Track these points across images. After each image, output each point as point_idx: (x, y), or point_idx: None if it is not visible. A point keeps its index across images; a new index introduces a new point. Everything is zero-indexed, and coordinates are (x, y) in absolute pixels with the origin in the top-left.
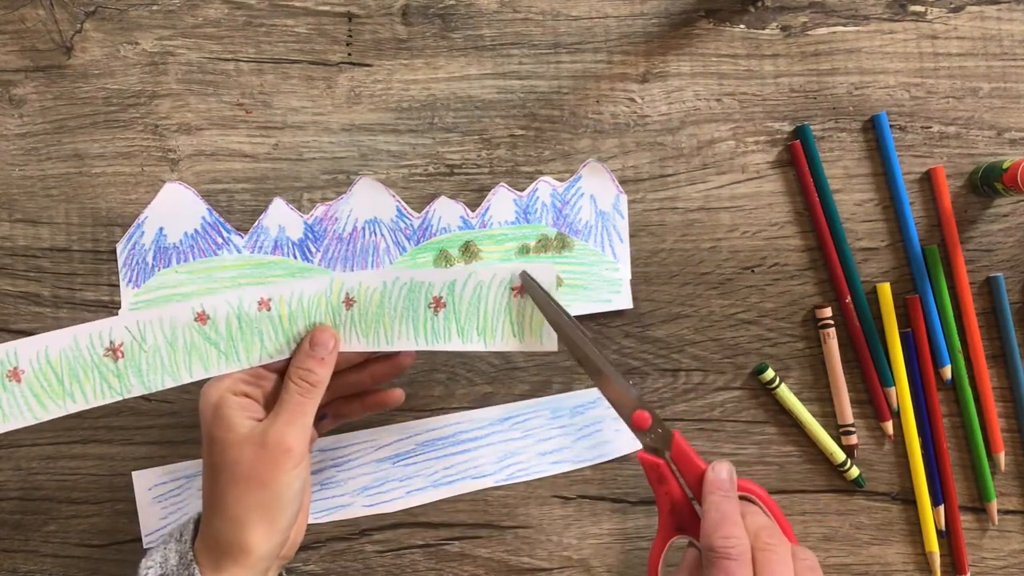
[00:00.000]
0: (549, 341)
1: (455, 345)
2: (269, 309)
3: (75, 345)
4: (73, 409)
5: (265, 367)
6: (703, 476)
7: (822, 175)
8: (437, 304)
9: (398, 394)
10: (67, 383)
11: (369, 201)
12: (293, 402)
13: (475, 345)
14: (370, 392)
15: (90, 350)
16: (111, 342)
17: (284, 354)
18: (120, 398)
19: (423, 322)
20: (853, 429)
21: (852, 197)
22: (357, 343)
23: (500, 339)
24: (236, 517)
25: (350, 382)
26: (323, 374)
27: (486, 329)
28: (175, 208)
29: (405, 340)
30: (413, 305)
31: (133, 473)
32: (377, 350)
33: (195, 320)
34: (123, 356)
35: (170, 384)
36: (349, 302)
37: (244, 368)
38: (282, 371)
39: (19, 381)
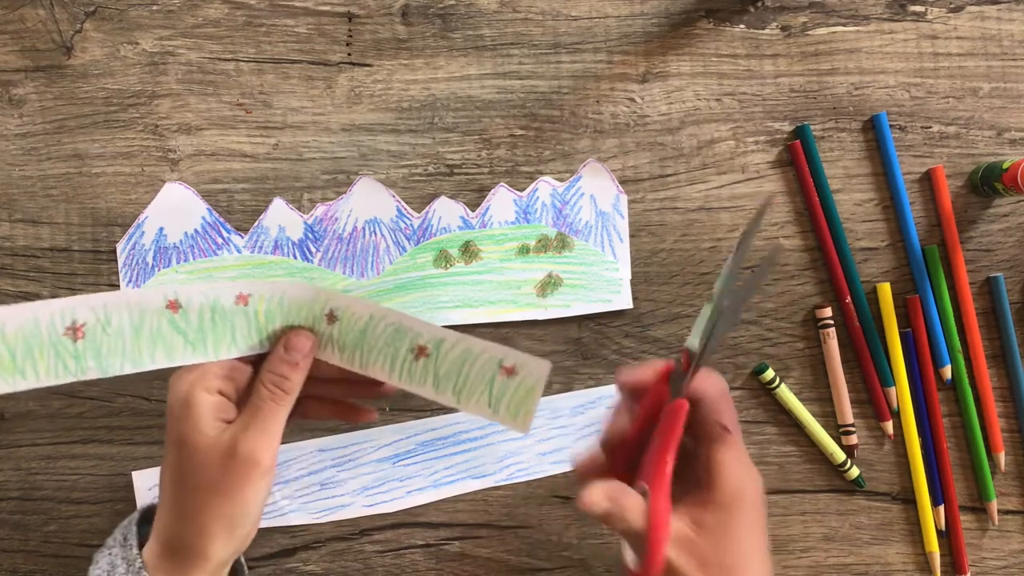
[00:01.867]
0: (523, 424)
1: (428, 393)
2: (246, 304)
3: (34, 322)
4: (22, 386)
5: (240, 359)
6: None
7: (822, 175)
8: (420, 352)
9: (372, 415)
10: (19, 359)
11: (369, 201)
12: (265, 409)
13: (448, 401)
14: (344, 402)
15: (50, 328)
16: (73, 321)
17: (255, 351)
18: (73, 379)
19: (401, 363)
20: (853, 429)
21: (852, 197)
22: (332, 356)
23: (474, 404)
24: (198, 525)
25: (324, 389)
26: (297, 380)
27: (462, 391)
28: (175, 208)
29: (380, 371)
30: (395, 345)
31: (133, 473)
32: (351, 368)
33: (166, 307)
34: (83, 337)
35: (129, 369)
36: (332, 317)
37: (210, 360)
38: (257, 364)
39: None
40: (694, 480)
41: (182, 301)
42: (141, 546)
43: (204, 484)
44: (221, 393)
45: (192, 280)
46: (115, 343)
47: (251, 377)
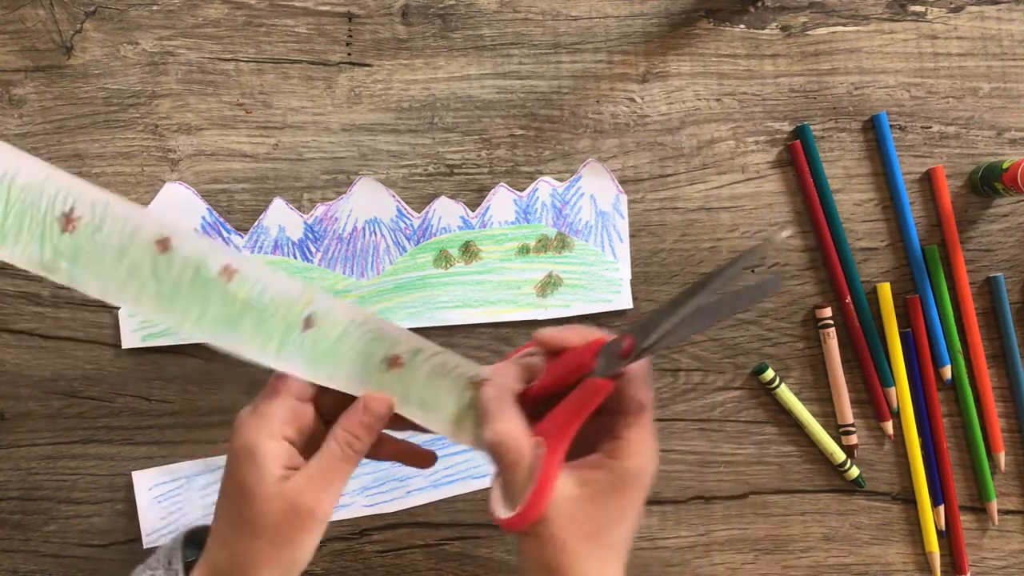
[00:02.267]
0: (479, 442)
1: (394, 406)
2: (228, 281)
3: (41, 188)
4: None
5: (299, 398)
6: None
7: (822, 175)
8: (394, 362)
9: (433, 459)
10: (9, 223)
11: (369, 201)
12: (334, 466)
13: (412, 414)
14: (406, 444)
15: (50, 205)
16: (72, 209)
17: (217, 337)
18: (43, 273)
19: (372, 372)
20: (853, 429)
21: (852, 197)
22: (297, 369)
23: (437, 420)
24: (252, 570)
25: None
26: (369, 441)
27: (428, 404)
28: (175, 208)
29: (347, 384)
30: (368, 353)
31: (133, 473)
32: (315, 382)
33: (155, 243)
34: (72, 231)
35: (94, 293)
36: (308, 323)
37: (168, 323)
38: (316, 402)
39: None
40: (587, 450)
41: (173, 243)
42: (187, 570)
43: (263, 531)
44: (287, 439)
45: None
46: (94, 256)
47: (312, 420)
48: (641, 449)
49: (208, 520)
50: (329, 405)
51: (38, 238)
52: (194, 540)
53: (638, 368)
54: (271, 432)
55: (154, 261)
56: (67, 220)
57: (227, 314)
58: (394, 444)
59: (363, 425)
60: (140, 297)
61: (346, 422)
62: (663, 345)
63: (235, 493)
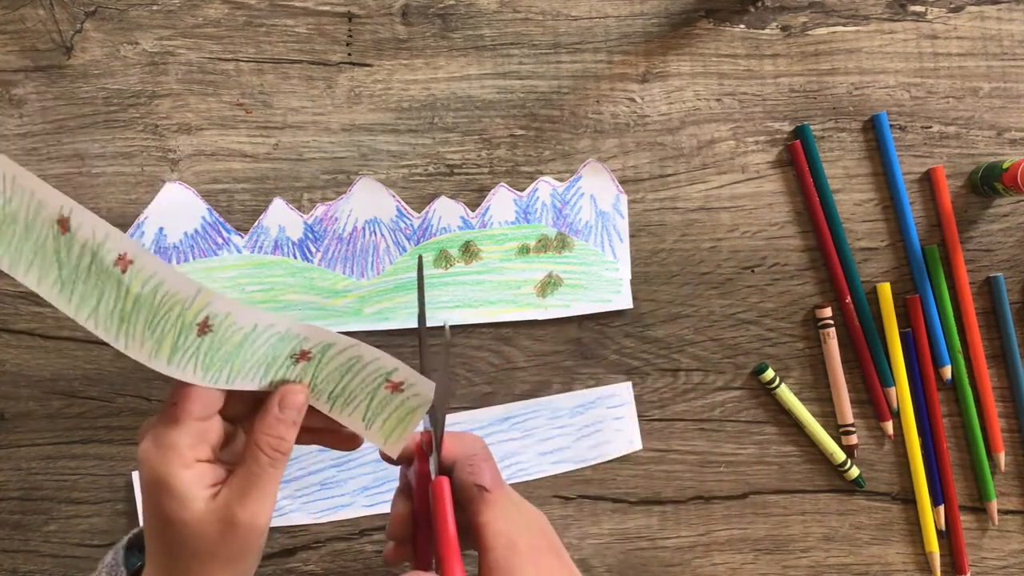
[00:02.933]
0: (392, 447)
1: (308, 392)
2: (124, 272)
3: None
4: None
5: (203, 418)
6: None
7: (822, 175)
8: (302, 356)
9: (358, 441)
10: None
11: (369, 201)
12: (265, 476)
13: (322, 407)
14: (326, 429)
15: None
16: None
17: (109, 334)
18: None
19: (277, 369)
20: (853, 429)
21: (852, 197)
22: (191, 375)
23: (348, 416)
24: None
25: (308, 418)
26: (293, 438)
27: (339, 399)
28: (175, 208)
29: (248, 383)
30: (275, 353)
31: (133, 473)
32: (213, 387)
33: (57, 221)
34: None
35: (3, 267)
36: (204, 327)
37: (68, 312)
38: (221, 412)
39: None
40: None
41: (72, 224)
42: None
43: (201, 554)
44: (200, 460)
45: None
46: (5, 228)
47: (222, 430)
48: (500, 527)
49: None
50: (238, 406)
51: None
52: (137, 544)
53: (464, 454)
54: (183, 462)
55: (56, 241)
56: None
57: (120, 310)
58: (315, 430)
59: (283, 423)
60: (42, 280)
61: (265, 426)
62: (442, 423)
63: (163, 526)
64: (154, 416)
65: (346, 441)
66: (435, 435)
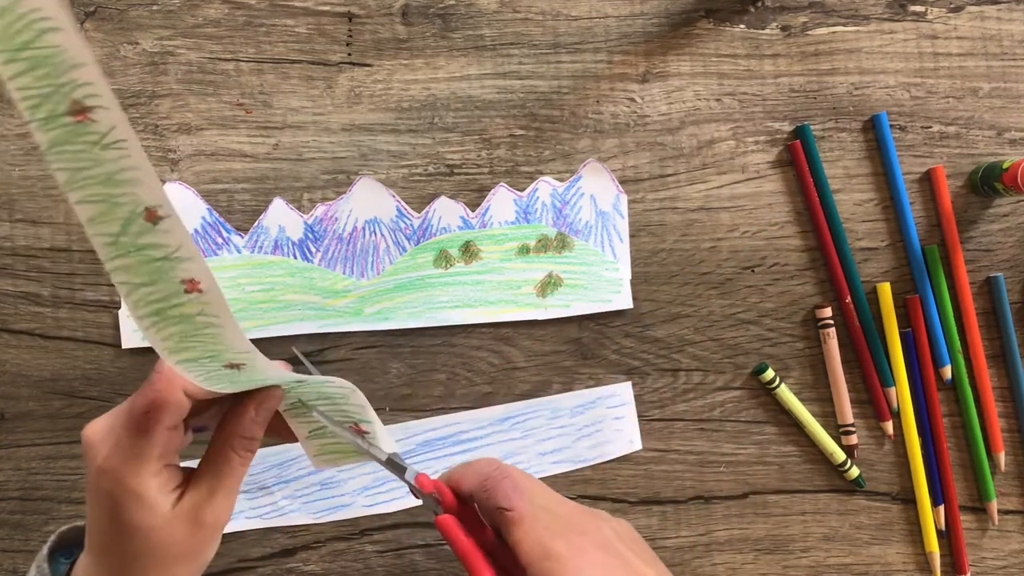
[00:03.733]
0: (321, 463)
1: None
2: (188, 292)
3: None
4: None
5: (175, 425)
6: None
7: (822, 175)
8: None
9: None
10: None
11: (369, 201)
12: (235, 475)
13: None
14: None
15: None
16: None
17: (134, 309)
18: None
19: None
20: (853, 429)
21: (852, 197)
22: (190, 375)
23: (297, 421)
24: None
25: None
26: (261, 436)
27: (301, 406)
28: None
29: (232, 390)
30: (281, 379)
31: None
32: (202, 387)
33: (145, 208)
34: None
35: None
36: (233, 365)
37: (105, 267)
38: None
39: None
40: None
41: (162, 224)
42: None
43: (167, 556)
44: (167, 465)
45: None
46: (86, 163)
47: (170, 433)
48: (532, 544)
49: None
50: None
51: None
52: (65, 544)
53: (476, 483)
54: (152, 470)
55: (131, 214)
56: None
57: (160, 307)
58: (272, 422)
59: (258, 425)
60: (97, 222)
61: (240, 428)
62: (402, 464)
63: (124, 535)
64: (102, 420)
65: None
66: (393, 466)
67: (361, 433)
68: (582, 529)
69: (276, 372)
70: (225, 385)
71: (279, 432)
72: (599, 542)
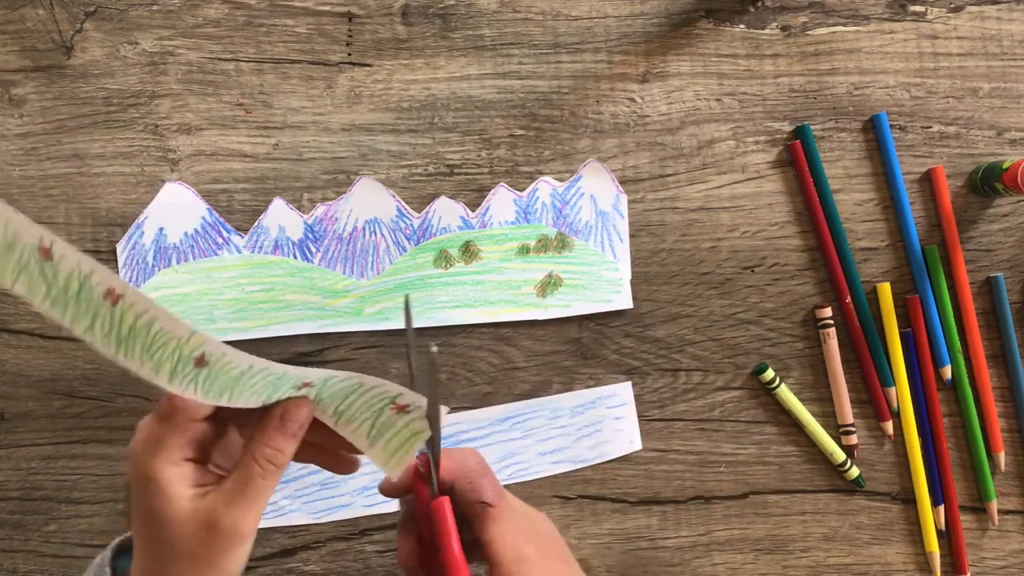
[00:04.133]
0: (394, 468)
1: (313, 408)
2: (114, 304)
3: None
4: None
5: (193, 419)
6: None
7: (822, 175)
8: (304, 385)
9: (356, 466)
10: None
11: (369, 201)
12: (254, 486)
13: (327, 420)
14: (327, 448)
15: None
16: None
17: (109, 352)
18: None
19: (280, 395)
20: (853, 429)
21: (852, 197)
22: (192, 394)
23: (352, 430)
24: None
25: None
26: (290, 453)
27: (344, 414)
28: (175, 208)
29: (254, 403)
30: (276, 385)
31: None
32: (218, 404)
33: (39, 248)
34: None
35: None
36: (201, 361)
37: (63, 325)
38: (223, 418)
39: None
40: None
41: (55, 253)
42: None
43: (183, 555)
44: (187, 459)
45: (192, 280)
46: None
47: (208, 431)
48: (507, 541)
49: None
50: (242, 411)
51: None
52: (127, 549)
53: (463, 472)
54: (169, 459)
55: (41, 265)
56: None
57: (116, 334)
58: (315, 447)
59: (283, 435)
60: (32, 293)
61: (264, 436)
62: (439, 443)
63: (146, 522)
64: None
65: (345, 464)
66: (432, 455)
67: (404, 408)
68: (545, 534)
69: (256, 360)
70: (216, 395)
71: (327, 460)
72: (558, 550)
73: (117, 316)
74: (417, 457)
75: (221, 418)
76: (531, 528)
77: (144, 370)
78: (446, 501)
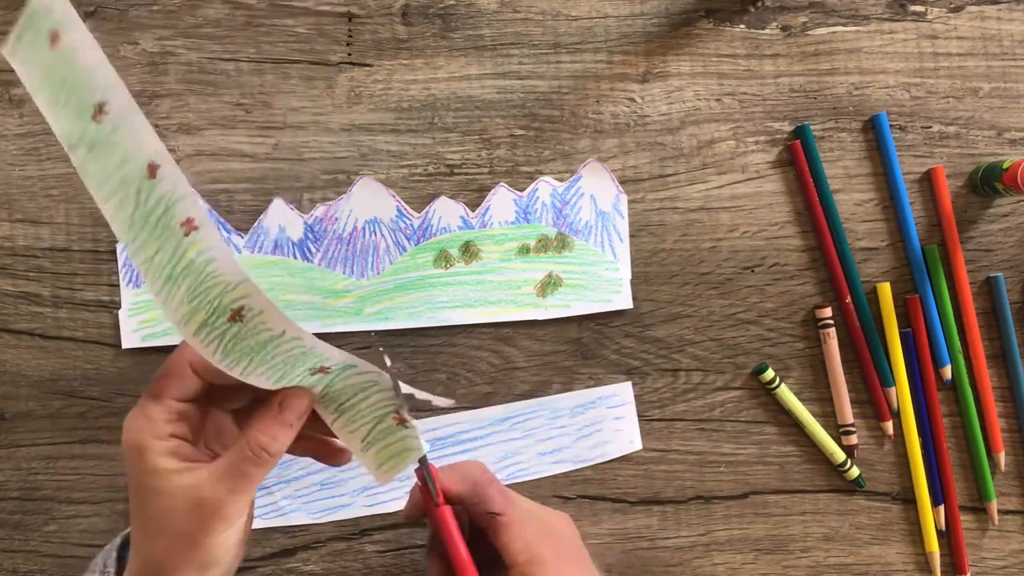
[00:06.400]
0: (384, 476)
1: (312, 400)
2: (187, 235)
3: (93, 71)
4: (42, 106)
5: (185, 399)
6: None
7: (822, 175)
8: (321, 370)
9: (348, 457)
10: (64, 92)
11: (369, 201)
12: (245, 471)
13: (325, 418)
14: (319, 438)
15: (91, 89)
16: (105, 102)
17: (152, 284)
18: (65, 148)
19: (293, 377)
20: (853, 429)
21: (852, 197)
22: (210, 354)
23: (349, 433)
24: (167, 569)
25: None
26: (285, 443)
27: (344, 414)
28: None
29: (263, 381)
30: (296, 362)
31: None
32: (229, 373)
33: (148, 166)
34: (99, 122)
35: (90, 188)
36: (237, 315)
37: (128, 252)
38: (203, 400)
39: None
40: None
41: (160, 173)
42: (119, 573)
43: (170, 530)
44: (176, 436)
45: None
46: (105, 153)
47: (200, 418)
48: (520, 546)
49: None
50: (242, 400)
51: (75, 116)
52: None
53: (467, 487)
54: (156, 433)
55: (141, 182)
56: (98, 111)
57: (171, 269)
58: (308, 439)
59: (279, 423)
60: (118, 214)
61: (260, 423)
62: (424, 459)
63: (135, 496)
64: None
65: (335, 454)
66: (425, 471)
67: (404, 423)
68: (560, 535)
69: (291, 326)
70: (234, 360)
71: (319, 450)
72: (574, 551)
73: (182, 248)
74: (415, 471)
75: (209, 403)
76: (544, 530)
77: (177, 314)
78: (448, 510)
